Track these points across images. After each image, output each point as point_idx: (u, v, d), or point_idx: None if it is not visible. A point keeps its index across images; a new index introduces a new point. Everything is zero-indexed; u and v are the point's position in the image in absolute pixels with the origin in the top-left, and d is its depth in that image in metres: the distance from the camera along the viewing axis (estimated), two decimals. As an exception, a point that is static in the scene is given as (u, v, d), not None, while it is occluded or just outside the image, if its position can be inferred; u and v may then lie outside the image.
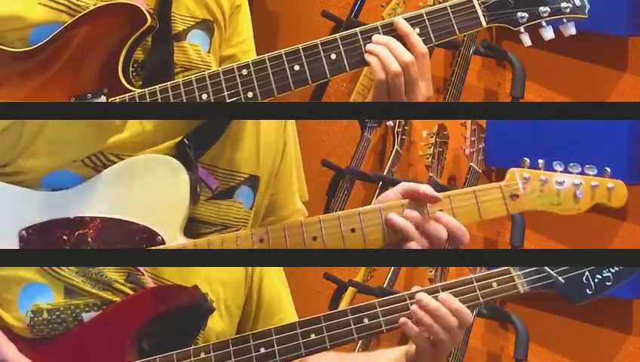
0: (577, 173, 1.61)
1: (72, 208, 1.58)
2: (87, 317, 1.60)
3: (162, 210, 1.60)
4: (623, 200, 1.61)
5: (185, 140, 1.63)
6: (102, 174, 1.59)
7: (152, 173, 1.61)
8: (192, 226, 1.65)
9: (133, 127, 1.63)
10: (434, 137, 3.28)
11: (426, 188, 1.59)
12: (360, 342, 3.40)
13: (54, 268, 1.60)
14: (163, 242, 1.59)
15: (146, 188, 1.60)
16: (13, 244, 1.59)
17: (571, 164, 1.60)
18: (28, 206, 1.59)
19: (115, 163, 1.60)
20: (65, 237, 1.58)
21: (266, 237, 1.58)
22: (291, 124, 1.84)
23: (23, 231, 1.59)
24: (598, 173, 1.61)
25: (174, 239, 1.60)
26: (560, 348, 3.25)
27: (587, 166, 1.60)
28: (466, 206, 1.58)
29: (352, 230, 1.58)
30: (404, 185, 1.62)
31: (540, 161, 1.60)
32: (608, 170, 1.61)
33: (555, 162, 1.60)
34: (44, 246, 1.58)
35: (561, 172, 1.60)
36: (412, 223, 1.58)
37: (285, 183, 1.82)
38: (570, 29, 1.66)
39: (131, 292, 1.61)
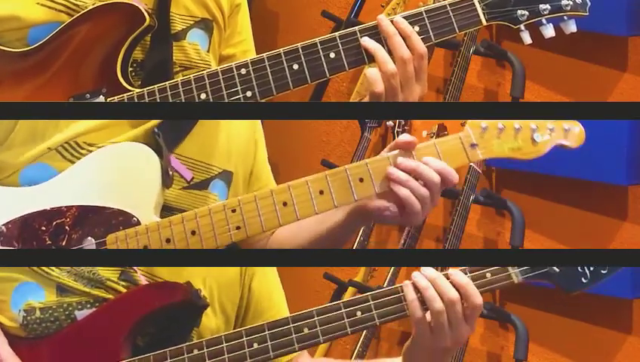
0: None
1: (48, 200, 1.61)
2: (80, 314, 1.61)
3: (135, 194, 1.63)
4: (580, 139, 1.65)
5: (155, 129, 1.65)
6: (75, 165, 1.62)
7: (123, 159, 1.64)
8: (170, 215, 1.65)
9: None
10: (434, 137, 3.27)
11: (404, 135, 1.64)
12: (360, 342, 3.40)
13: (44, 268, 1.60)
14: (139, 223, 1.60)
15: (119, 175, 1.63)
16: None
17: None
18: (7, 202, 1.61)
19: (87, 152, 1.62)
20: (43, 228, 1.60)
21: (239, 207, 1.60)
22: (260, 125, 1.86)
23: (2, 227, 1.61)
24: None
25: (149, 220, 1.61)
26: (560, 348, 3.25)
27: None
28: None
29: (321, 192, 1.60)
30: (387, 148, 1.66)
31: None
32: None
33: None
34: (24, 238, 1.60)
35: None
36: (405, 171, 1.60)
37: (263, 182, 1.85)
38: (571, 27, 1.66)
39: (125, 291, 1.62)
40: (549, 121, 1.64)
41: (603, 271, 1.62)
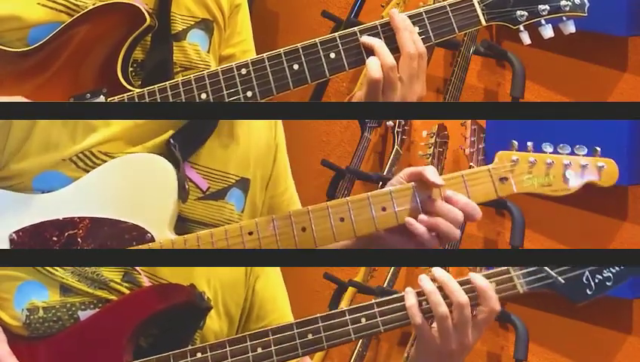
0: (567, 154, 1.60)
1: (61, 209, 1.59)
2: (83, 315, 1.60)
3: (150, 208, 1.61)
4: (613, 178, 1.61)
5: (170, 140, 1.63)
6: (90, 175, 1.60)
7: (139, 171, 1.62)
8: (184, 226, 1.65)
9: (121, 123, 1.62)
10: (434, 137, 3.28)
11: (430, 172, 1.59)
12: (360, 342, 3.40)
13: (48, 268, 1.60)
14: (152, 239, 1.59)
15: (134, 187, 1.61)
16: (4, 247, 1.59)
17: (561, 145, 1.60)
18: (19, 210, 1.60)
19: (102, 162, 1.60)
20: (55, 238, 1.58)
21: (255, 229, 1.58)
22: (281, 127, 1.84)
23: (13, 234, 1.59)
24: (588, 152, 1.61)
25: (163, 236, 1.60)
26: (560, 348, 3.25)
27: (577, 146, 1.60)
28: (455, 191, 1.58)
29: (341, 219, 1.58)
30: (407, 171, 1.63)
31: (529, 144, 1.60)
32: (598, 149, 1.60)
33: (543, 144, 1.60)
34: (35, 248, 1.58)
35: (550, 153, 1.60)
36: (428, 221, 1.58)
37: (282, 186, 1.82)
38: (570, 27, 1.66)
39: (128, 292, 1.61)
40: (582, 157, 1.59)
41: (608, 283, 1.61)
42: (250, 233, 1.58)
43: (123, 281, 1.62)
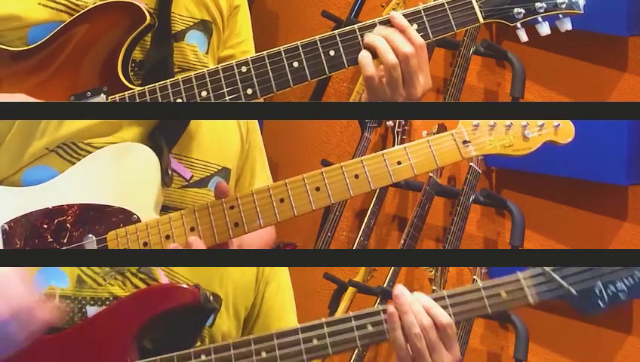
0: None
1: (50, 199, 1.62)
2: (91, 310, 1.61)
3: (136, 193, 1.64)
4: (569, 135, 1.66)
5: (154, 130, 1.66)
6: (76, 165, 1.63)
7: (123, 159, 1.64)
8: (169, 214, 1.65)
9: None
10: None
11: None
12: (360, 342, 3.40)
13: None
14: (139, 220, 1.62)
15: (119, 175, 1.64)
16: None
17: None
18: (9, 202, 1.62)
19: (86, 152, 1.62)
20: (45, 226, 1.62)
21: (236, 203, 1.61)
22: (255, 128, 1.87)
23: (5, 225, 1.62)
24: None
25: (149, 218, 1.62)
26: (560, 348, 3.25)
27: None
28: (422, 155, 1.63)
29: (317, 188, 1.61)
30: None
31: None
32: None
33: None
34: (26, 236, 1.61)
35: None
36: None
37: (260, 174, 1.86)
38: (566, 25, 1.68)
39: (142, 285, 1.62)
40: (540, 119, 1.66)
41: (621, 296, 1.60)
42: (232, 207, 1.61)
43: (139, 272, 1.62)
